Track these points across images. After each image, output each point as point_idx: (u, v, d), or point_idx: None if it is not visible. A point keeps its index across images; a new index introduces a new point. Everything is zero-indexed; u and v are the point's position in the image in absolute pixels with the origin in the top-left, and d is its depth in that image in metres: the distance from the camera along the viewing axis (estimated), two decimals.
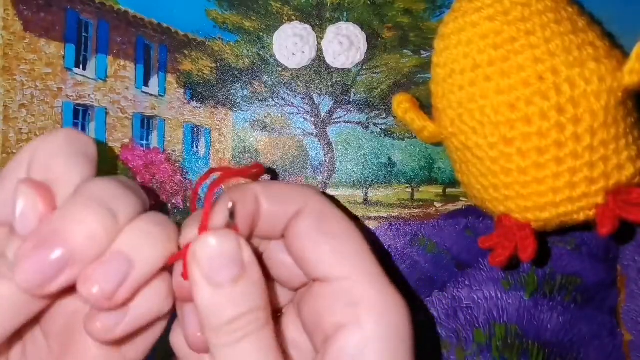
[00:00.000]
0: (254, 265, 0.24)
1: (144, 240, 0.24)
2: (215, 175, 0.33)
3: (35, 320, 0.27)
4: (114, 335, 0.25)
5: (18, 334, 0.27)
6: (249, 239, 0.26)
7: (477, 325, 0.36)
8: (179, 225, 0.26)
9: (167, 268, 0.25)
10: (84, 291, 0.23)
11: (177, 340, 0.27)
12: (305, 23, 0.36)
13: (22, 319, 0.25)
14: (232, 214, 0.24)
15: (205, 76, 0.36)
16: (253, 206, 0.25)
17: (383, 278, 0.25)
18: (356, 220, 0.27)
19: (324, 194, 0.26)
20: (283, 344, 0.27)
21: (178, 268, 0.25)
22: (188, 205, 0.37)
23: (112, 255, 0.23)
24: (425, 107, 0.33)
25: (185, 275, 0.24)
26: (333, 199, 0.27)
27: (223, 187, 0.26)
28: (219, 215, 0.24)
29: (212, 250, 0.23)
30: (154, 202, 0.36)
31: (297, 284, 0.28)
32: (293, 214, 0.25)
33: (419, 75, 0.36)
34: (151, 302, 0.25)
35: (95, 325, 0.24)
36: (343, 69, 0.36)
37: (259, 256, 0.26)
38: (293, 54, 0.36)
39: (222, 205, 0.24)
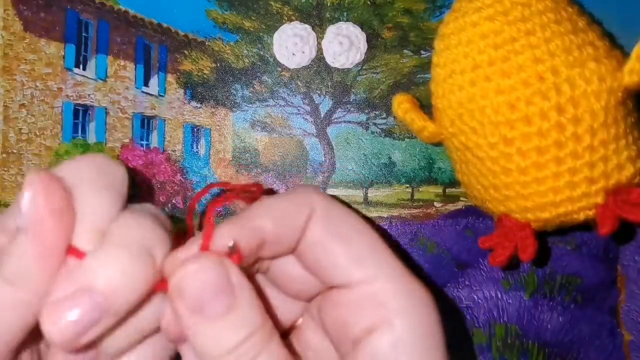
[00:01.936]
0: (245, 287, 0.22)
1: (121, 280, 0.21)
2: (215, 189, 0.33)
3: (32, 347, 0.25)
4: None
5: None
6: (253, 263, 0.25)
7: (477, 325, 0.36)
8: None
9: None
10: (47, 328, 0.21)
11: None
12: (305, 23, 0.36)
13: (21, 328, 0.22)
14: (232, 251, 0.23)
15: (205, 76, 0.36)
16: (258, 235, 0.23)
17: (405, 274, 0.24)
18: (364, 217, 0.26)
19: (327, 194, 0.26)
20: (301, 354, 0.27)
21: (165, 307, 0.23)
22: (188, 205, 0.37)
23: (81, 293, 0.21)
24: (425, 107, 0.33)
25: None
26: (333, 197, 0.26)
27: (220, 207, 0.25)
28: (218, 243, 0.23)
29: (198, 280, 0.21)
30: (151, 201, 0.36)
31: (309, 295, 0.27)
32: (301, 230, 0.24)
33: (419, 75, 0.36)
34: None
35: None
36: (343, 69, 0.36)
37: (250, 274, 0.24)
38: (293, 54, 0.36)
39: (220, 237, 0.23)
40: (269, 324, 0.23)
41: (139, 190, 0.36)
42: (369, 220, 0.27)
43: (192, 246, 0.23)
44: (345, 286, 0.24)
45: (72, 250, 0.22)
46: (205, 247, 0.22)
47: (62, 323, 0.20)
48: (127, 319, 0.23)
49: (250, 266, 0.25)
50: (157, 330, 0.24)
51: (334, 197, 0.26)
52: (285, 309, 0.27)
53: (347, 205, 0.26)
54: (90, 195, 0.23)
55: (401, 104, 0.33)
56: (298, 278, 0.26)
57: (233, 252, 0.23)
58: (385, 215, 0.37)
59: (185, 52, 0.36)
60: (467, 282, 0.37)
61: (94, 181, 0.23)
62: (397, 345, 0.23)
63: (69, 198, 0.22)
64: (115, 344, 0.23)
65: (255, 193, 0.27)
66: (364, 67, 0.36)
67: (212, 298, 0.21)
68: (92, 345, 0.23)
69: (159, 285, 0.22)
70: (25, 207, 0.21)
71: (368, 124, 0.37)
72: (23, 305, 0.22)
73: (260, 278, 0.27)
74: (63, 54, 0.36)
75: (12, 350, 0.22)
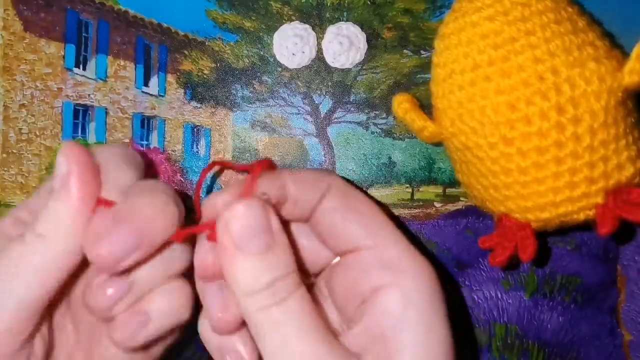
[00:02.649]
0: (282, 233, 0.24)
1: (159, 215, 0.25)
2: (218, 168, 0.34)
3: (66, 308, 0.28)
4: (136, 343, 0.26)
5: (48, 319, 0.27)
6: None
7: (477, 325, 0.36)
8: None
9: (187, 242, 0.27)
10: (93, 254, 0.24)
11: (205, 332, 0.28)
12: (305, 23, 0.36)
13: (56, 283, 0.25)
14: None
15: (205, 76, 0.36)
16: (280, 192, 0.26)
17: (410, 245, 0.26)
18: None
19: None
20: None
21: (200, 245, 0.26)
22: (187, 205, 0.37)
23: (120, 224, 0.24)
24: (425, 107, 0.33)
25: (212, 238, 0.25)
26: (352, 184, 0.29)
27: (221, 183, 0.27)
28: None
29: (245, 219, 0.23)
30: None
31: (316, 268, 0.29)
32: (319, 198, 0.27)
33: (419, 76, 0.36)
34: (171, 310, 0.27)
35: (116, 334, 0.26)
36: (343, 69, 0.36)
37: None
38: (293, 54, 0.36)
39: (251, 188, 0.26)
40: (298, 273, 0.25)
41: None
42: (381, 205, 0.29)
43: (231, 191, 0.26)
44: (357, 250, 0.26)
45: (101, 201, 0.25)
46: (246, 194, 0.25)
47: (105, 249, 0.24)
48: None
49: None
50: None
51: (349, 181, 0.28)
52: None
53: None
54: (114, 165, 0.27)
55: (401, 104, 0.33)
56: (308, 248, 0.28)
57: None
58: None
59: (185, 52, 0.36)
60: (467, 282, 0.37)
61: (117, 156, 0.27)
62: (406, 302, 0.25)
63: (95, 163, 0.26)
64: (146, 279, 0.26)
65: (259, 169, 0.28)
66: (364, 67, 0.36)
67: (255, 235, 0.24)
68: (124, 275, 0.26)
69: (200, 228, 0.26)
70: (59, 168, 0.25)
71: (368, 123, 0.37)
72: (55, 259, 0.25)
73: None
74: (63, 54, 0.36)
75: (44, 308, 0.25)
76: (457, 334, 0.25)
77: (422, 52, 0.36)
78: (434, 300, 0.25)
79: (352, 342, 0.25)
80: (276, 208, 0.26)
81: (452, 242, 0.37)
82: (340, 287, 0.27)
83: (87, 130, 0.36)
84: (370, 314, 0.25)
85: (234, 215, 0.24)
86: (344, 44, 0.36)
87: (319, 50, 0.36)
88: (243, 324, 0.26)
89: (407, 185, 0.37)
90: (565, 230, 0.31)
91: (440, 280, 0.26)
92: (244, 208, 0.24)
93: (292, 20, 0.36)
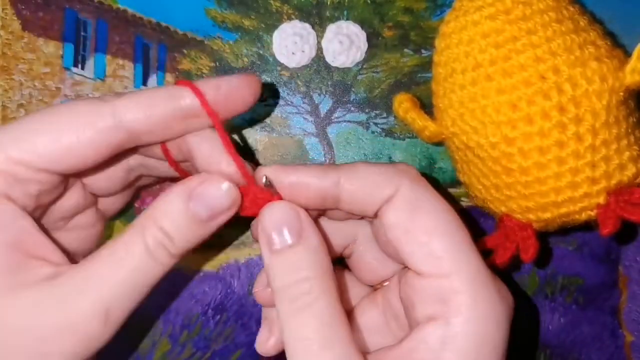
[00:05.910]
0: (312, 235, 0.25)
1: None
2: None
3: None
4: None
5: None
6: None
7: None
8: None
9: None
10: None
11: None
12: (305, 22, 0.36)
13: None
14: (269, 184, 0.26)
15: (204, 75, 0.36)
16: (329, 186, 0.26)
17: (482, 277, 0.24)
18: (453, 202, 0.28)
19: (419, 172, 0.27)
20: (382, 310, 0.29)
21: (259, 278, 0.29)
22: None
23: None
24: (426, 106, 0.33)
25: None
26: (428, 177, 0.27)
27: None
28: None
29: (272, 218, 0.25)
30: None
31: (393, 272, 0.29)
32: (384, 199, 0.25)
33: (419, 75, 0.36)
34: None
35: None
36: (343, 68, 0.36)
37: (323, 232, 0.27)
38: (293, 53, 0.36)
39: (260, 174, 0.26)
40: (330, 280, 0.25)
41: None
42: (460, 208, 0.28)
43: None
44: (418, 274, 0.25)
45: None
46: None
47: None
48: None
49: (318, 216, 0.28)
50: None
51: (426, 177, 0.27)
52: (384, 266, 0.29)
53: (441, 188, 0.27)
54: None
55: (402, 104, 0.33)
56: (381, 260, 0.29)
57: (270, 187, 0.26)
58: None
59: (184, 51, 0.36)
60: None
61: None
62: (446, 343, 0.23)
63: None
64: None
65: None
66: (364, 66, 0.36)
67: (278, 233, 0.25)
68: None
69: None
70: None
71: (368, 123, 0.37)
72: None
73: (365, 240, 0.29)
74: (61, 53, 0.36)
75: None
76: None
77: (422, 51, 0.36)
78: (482, 347, 0.23)
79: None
80: (324, 205, 0.26)
81: None
82: (403, 298, 0.26)
83: None
84: (412, 341, 0.24)
85: (266, 213, 0.25)
86: (344, 43, 0.36)
87: (319, 49, 0.36)
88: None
89: None
90: (566, 230, 0.31)
91: (508, 319, 0.24)
92: (271, 206, 0.25)
93: (291, 19, 0.36)
